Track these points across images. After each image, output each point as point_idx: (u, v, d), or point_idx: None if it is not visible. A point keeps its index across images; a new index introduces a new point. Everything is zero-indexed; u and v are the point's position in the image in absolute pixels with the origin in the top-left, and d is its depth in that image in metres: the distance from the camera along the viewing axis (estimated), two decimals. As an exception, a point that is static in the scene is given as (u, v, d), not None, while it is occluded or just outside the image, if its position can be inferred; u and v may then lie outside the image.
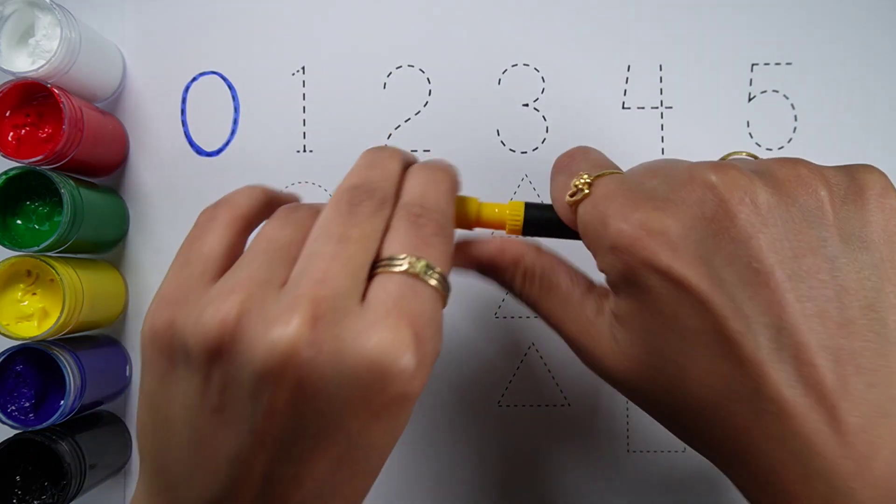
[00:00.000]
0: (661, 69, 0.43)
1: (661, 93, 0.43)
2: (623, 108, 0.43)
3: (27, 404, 0.37)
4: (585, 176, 0.28)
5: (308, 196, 0.43)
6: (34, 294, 0.38)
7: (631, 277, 0.26)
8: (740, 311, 0.25)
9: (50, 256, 0.38)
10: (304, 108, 0.43)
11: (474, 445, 0.42)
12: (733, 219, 0.25)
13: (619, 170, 0.30)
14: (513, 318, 0.43)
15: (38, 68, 0.36)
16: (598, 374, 0.29)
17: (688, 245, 0.26)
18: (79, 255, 0.41)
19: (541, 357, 0.43)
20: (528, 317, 0.43)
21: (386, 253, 0.25)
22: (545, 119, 0.43)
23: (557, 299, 0.30)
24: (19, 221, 0.38)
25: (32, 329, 0.37)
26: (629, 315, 0.27)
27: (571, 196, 0.29)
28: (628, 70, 0.43)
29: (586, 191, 0.28)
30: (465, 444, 0.42)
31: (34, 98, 0.37)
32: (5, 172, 0.36)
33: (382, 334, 0.23)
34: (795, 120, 0.43)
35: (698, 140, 0.43)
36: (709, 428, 0.26)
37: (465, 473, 0.42)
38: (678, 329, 0.26)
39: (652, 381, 0.27)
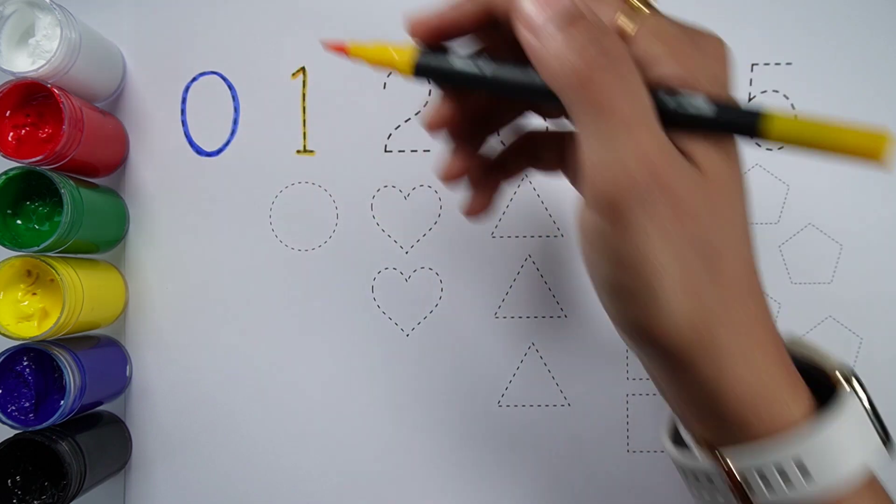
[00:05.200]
0: (661, 69, 0.43)
1: (661, 93, 0.43)
2: (623, 108, 0.43)
3: (27, 404, 0.37)
4: None
5: (308, 197, 0.43)
6: (34, 294, 0.38)
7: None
8: None
9: (50, 256, 0.38)
10: (304, 108, 0.43)
11: (474, 445, 0.42)
12: None
13: None
14: (513, 318, 0.43)
15: (38, 68, 0.36)
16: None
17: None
18: (79, 255, 0.41)
19: (541, 357, 0.43)
20: (528, 317, 0.43)
21: None
22: (545, 119, 0.43)
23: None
24: (19, 221, 0.38)
25: (32, 329, 0.37)
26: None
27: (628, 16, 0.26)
28: (628, 70, 0.43)
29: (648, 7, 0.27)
30: (465, 444, 0.42)
31: (34, 98, 0.37)
32: (5, 172, 0.36)
33: None
34: (795, 120, 0.43)
35: (698, 140, 0.43)
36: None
37: (465, 473, 0.42)
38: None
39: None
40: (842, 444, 0.26)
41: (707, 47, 0.27)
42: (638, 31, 0.26)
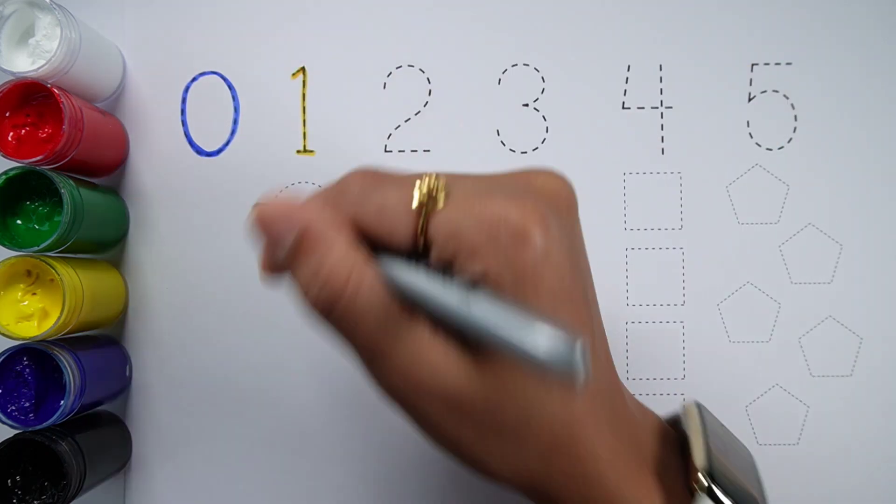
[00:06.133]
0: (661, 69, 0.43)
1: (661, 93, 0.43)
2: (623, 108, 0.43)
3: (27, 404, 0.37)
4: (428, 180, 0.25)
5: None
6: (34, 294, 0.38)
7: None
8: (593, 306, 0.28)
9: (50, 256, 0.38)
10: (304, 108, 0.43)
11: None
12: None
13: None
14: (513, 318, 0.43)
15: (38, 68, 0.36)
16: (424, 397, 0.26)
17: (563, 246, 0.26)
18: (79, 255, 0.41)
19: (541, 357, 0.43)
20: (528, 317, 0.43)
21: None
22: (545, 119, 0.43)
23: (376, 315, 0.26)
24: (19, 221, 0.38)
25: (32, 329, 0.37)
26: None
27: (422, 204, 0.25)
28: (628, 70, 0.43)
29: (442, 195, 0.25)
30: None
31: (34, 98, 0.37)
32: (5, 172, 0.36)
33: None
34: (795, 120, 0.43)
35: (698, 140, 0.43)
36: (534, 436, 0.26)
37: (466, 472, 0.42)
38: None
39: (492, 388, 0.26)
40: None
41: (502, 233, 0.25)
42: (431, 229, 0.25)
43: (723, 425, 0.33)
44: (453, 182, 0.26)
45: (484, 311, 0.24)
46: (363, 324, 0.25)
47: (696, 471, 0.27)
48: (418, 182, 0.25)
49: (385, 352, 0.26)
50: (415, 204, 0.25)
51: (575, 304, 0.26)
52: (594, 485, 0.27)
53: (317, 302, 0.25)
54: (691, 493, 0.27)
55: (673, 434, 0.31)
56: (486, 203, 0.25)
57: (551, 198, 0.27)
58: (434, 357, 0.26)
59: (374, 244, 0.26)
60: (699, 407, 0.32)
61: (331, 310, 0.25)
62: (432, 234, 0.25)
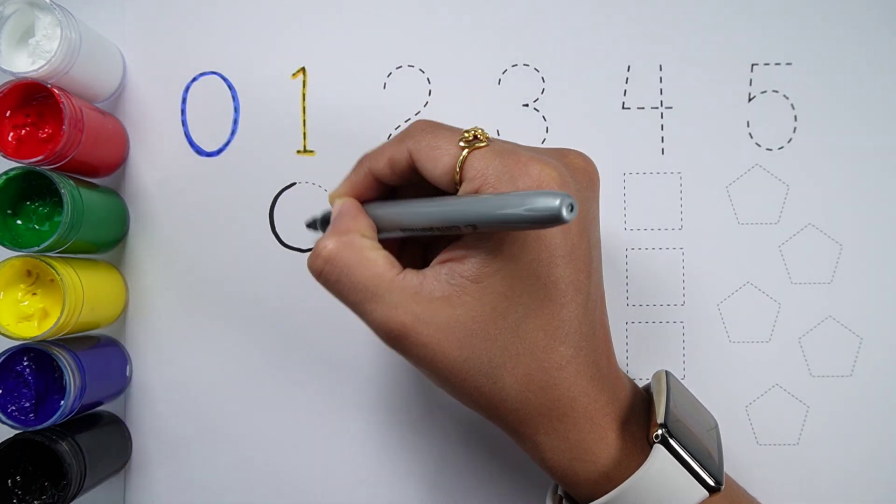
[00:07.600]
0: (661, 69, 0.43)
1: (661, 93, 0.43)
2: (623, 108, 0.43)
3: (27, 404, 0.37)
4: (477, 129, 0.31)
5: (308, 196, 0.43)
6: (34, 294, 0.38)
7: None
8: (595, 272, 0.32)
9: (50, 256, 0.38)
10: (304, 108, 0.43)
11: (477, 444, 0.42)
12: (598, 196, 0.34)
13: None
14: (513, 318, 0.43)
15: (38, 68, 0.36)
16: (415, 354, 0.31)
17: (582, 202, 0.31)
18: (79, 255, 0.41)
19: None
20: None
21: None
22: (545, 119, 0.43)
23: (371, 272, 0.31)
24: (19, 221, 0.38)
25: (32, 329, 0.37)
26: (498, 262, 0.30)
27: (467, 142, 0.31)
28: (628, 70, 0.43)
29: (483, 143, 0.31)
30: (468, 443, 0.42)
31: (34, 98, 0.37)
32: (5, 172, 0.36)
33: None
34: (795, 120, 0.43)
35: (698, 140, 0.43)
36: (523, 388, 0.31)
37: (467, 472, 0.42)
38: (544, 273, 0.30)
39: (487, 336, 0.30)
40: (653, 497, 0.30)
41: (522, 182, 0.30)
42: (466, 165, 0.31)
43: (690, 393, 0.36)
44: (496, 139, 0.32)
45: (480, 201, 0.29)
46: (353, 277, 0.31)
47: (656, 426, 0.31)
48: (468, 129, 0.31)
49: (376, 296, 0.31)
50: (462, 142, 0.31)
51: (577, 257, 0.31)
52: (569, 426, 0.31)
53: (311, 269, 0.32)
54: (651, 446, 0.31)
55: (645, 397, 0.35)
56: (517, 156, 0.30)
57: (576, 170, 0.32)
58: (412, 290, 0.31)
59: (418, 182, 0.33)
60: (667, 374, 0.35)
61: (318, 275, 0.32)
62: (466, 169, 0.30)
